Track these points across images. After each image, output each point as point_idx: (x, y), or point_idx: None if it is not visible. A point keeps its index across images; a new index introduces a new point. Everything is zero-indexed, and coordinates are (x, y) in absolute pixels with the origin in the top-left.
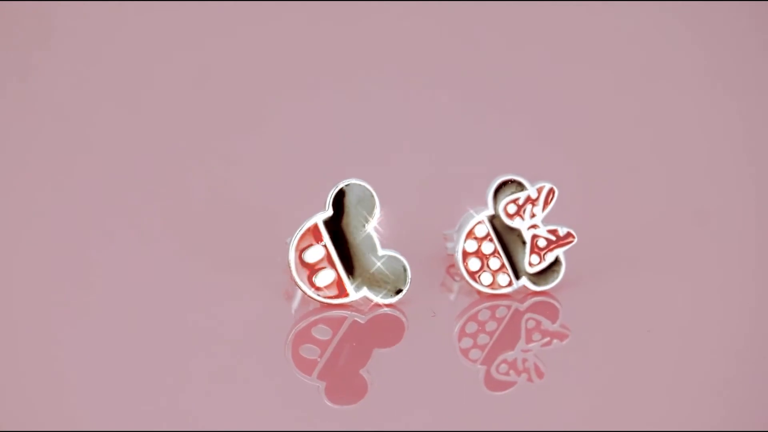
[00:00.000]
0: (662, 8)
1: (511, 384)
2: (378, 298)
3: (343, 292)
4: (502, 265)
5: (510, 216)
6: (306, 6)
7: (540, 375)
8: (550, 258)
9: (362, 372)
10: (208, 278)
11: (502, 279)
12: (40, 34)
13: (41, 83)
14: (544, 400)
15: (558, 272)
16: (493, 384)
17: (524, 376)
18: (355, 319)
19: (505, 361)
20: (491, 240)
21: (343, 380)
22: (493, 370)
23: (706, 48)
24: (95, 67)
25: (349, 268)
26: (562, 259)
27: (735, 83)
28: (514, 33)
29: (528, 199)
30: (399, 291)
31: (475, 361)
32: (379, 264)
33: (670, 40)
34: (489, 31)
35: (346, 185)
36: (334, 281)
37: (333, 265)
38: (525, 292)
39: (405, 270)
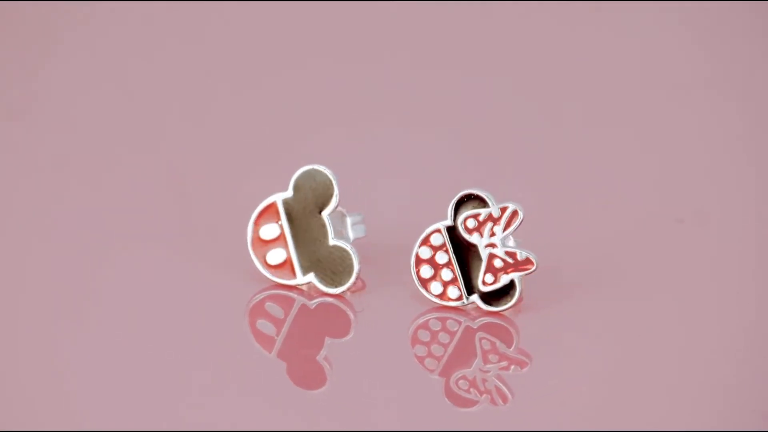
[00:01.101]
0: (660, 7)
1: (473, 402)
2: (322, 286)
3: (291, 274)
4: (455, 278)
5: (468, 231)
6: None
7: (504, 399)
8: (504, 280)
9: (319, 359)
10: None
11: (453, 292)
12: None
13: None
14: (510, 425)
15: (512, 296)
16: (455, 398)
17: (486, 397)
18: (304, 303)
19: (464, 377)
20: (446, 251)
21: (301, 364)
22: (452, 383)
23: (705, 48)
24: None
25: (300, 251)
26: (518, 283)
27: (734, 82)
28: (505, 36)
29: (490, 216)
30: (343, 283)
31: (432, 371)
32: (328, 253)
33: (665, 40)
34: (478, 39)
35: (309, 169)
36: (285, 261)
37: (286, 246)
38: (475, 310)
39: (352, 263)
